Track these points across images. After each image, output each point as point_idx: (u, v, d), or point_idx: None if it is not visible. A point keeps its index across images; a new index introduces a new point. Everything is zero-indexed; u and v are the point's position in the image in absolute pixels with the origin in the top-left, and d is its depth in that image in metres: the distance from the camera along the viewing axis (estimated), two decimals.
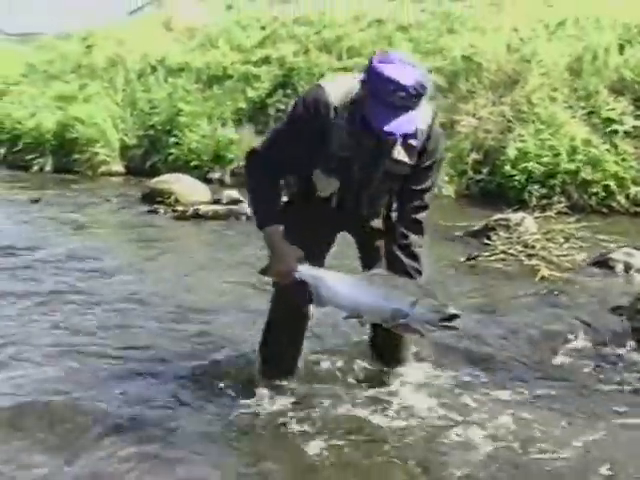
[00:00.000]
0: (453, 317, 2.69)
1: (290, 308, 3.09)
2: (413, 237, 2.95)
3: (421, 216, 2.97)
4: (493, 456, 2.73)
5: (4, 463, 2.73)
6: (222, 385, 3.34)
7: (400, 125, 2.64)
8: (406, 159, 2.85)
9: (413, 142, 2.82)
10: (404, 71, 2.59)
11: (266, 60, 11.38)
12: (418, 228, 2.96)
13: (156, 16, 15.34)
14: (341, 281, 2.83)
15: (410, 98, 2.60)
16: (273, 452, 2.82)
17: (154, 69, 12.45)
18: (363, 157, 2.84)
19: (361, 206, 3.00)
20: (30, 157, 12.01)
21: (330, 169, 2.88)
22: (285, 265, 2.89)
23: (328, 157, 2.85)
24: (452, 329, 2.78)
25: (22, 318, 4.30)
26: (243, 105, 10.75)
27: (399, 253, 2.95)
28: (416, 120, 2.69)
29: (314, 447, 2.80)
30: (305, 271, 2.87)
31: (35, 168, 11.79)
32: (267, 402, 3.13)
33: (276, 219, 2.92)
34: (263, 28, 12.96)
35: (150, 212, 7.88)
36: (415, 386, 3.27)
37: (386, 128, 2.64)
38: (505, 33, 9.49)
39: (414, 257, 2.95)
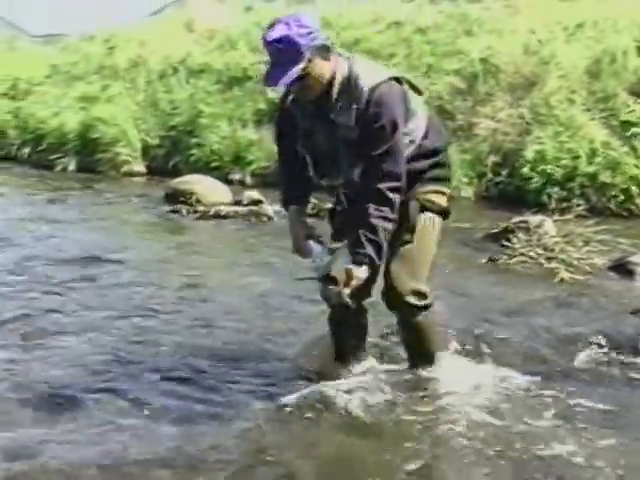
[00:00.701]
0: (328, 278, 2.89)
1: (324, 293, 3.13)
2: (371, 207, 2.85)
3: (384, 186, 2.84)
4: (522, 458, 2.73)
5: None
6: (246, 380, 3.36)
7: (270, 77, 2.81)
8: (342, 120, 2.88)
9: (355, 105, 2.85)
10: (273, 28, 2.77)
11: None
12: (379, 198, 2.85)
13: (177, 17, 15.35)
14: (320, 254, 3.02)
15: (275, 52, 2.77)
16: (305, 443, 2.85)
17: (175, 70, 12.45)
18: (319, 125, 2.96)
19: (330, 178, 3.05)
20: (54, 157, 12.07)
21: (302, 145, 3.04)
22: (295, 242, 3.11)
23: (300, 132, 3.02)
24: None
25: (51, 315, 4.35)
26: (263, 106, 10.73)
27: (358, 227, 2.88)
28: (290, 74, 2.74)
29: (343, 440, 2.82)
30: (309, 246, 3.06)
31: (59, 167, 11.85)
32: (298, 397, 3.18)
33: (292, 201, 3.15)
34: None
35: (172, 212, 7.90)
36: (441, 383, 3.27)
37: (262, 80, 2.90)
38: (522, 35, 9.41)
39: (371, 228, 2.85)
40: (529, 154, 7.77)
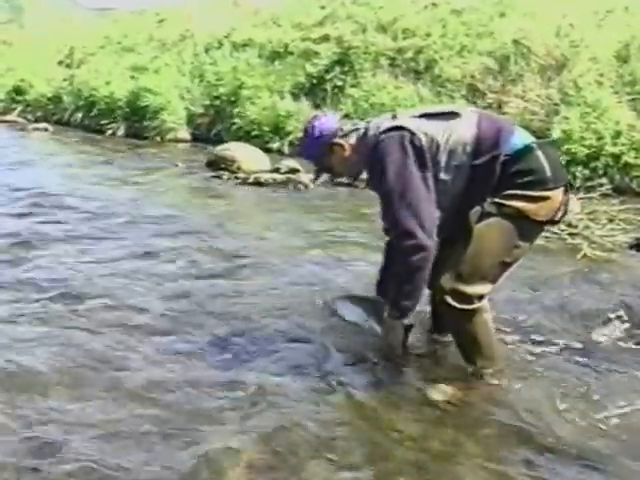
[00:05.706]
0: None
1: None
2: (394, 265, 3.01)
3: (390, 236, 3.07)
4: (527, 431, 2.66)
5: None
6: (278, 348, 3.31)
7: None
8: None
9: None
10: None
11: (325, 38, 11.19)
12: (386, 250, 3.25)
13: None
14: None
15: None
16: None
17: (221, 44, 12.39)
18: None
19: None
20: (104, 122, 12.13)
21: None
22: None
23: None
24: None
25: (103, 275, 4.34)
26: (302, 80, 10.62)
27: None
28: (315, 176, 3.26)
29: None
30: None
31: (108, 132, 11.91)
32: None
33: None
34: (323, 8, 12.76)
35: (214, 177, 7.89)
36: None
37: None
38: (554, 19, 9.15)
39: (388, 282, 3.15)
40: (556, 133, 7.55)
